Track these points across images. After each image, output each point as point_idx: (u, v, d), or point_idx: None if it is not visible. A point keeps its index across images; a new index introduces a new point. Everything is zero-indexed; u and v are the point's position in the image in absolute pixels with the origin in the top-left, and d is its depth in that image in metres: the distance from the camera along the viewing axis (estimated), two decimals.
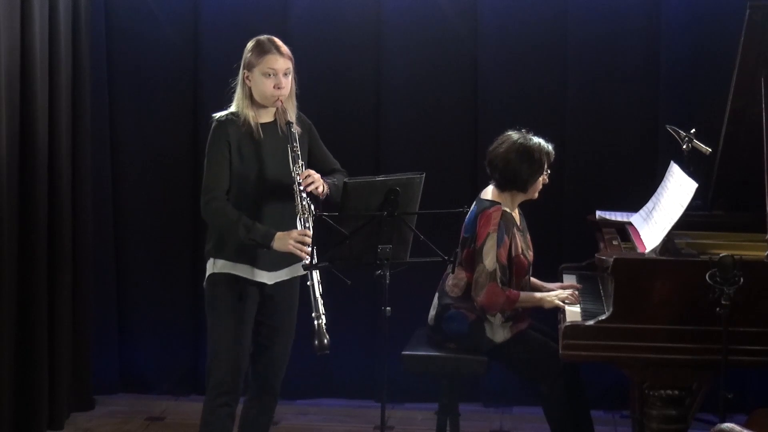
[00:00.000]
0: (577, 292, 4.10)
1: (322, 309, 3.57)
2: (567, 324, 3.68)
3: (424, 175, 3.74)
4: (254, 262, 3.75)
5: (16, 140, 4.53)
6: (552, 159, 4.12)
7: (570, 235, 5.01)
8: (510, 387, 4.96)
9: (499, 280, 4.00)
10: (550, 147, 4.11)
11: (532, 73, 5.06)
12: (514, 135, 4.12)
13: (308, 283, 3.59)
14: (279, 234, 3.64)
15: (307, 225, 3.63)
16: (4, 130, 4.40)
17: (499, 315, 4.05)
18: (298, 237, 3.62)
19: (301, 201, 3.63)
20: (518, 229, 4.14)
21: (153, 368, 5.37)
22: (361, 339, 5.19)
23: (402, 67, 5.10)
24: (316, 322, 3.54)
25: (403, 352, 4.14)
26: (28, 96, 4.57)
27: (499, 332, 4.07)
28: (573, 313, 3.90)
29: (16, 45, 4.49)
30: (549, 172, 4.13)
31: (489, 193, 4.16)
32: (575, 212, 4.90)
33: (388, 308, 3.66)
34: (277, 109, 3.74)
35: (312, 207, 3.65)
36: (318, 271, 3.60)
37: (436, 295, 4.22)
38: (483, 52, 5.06)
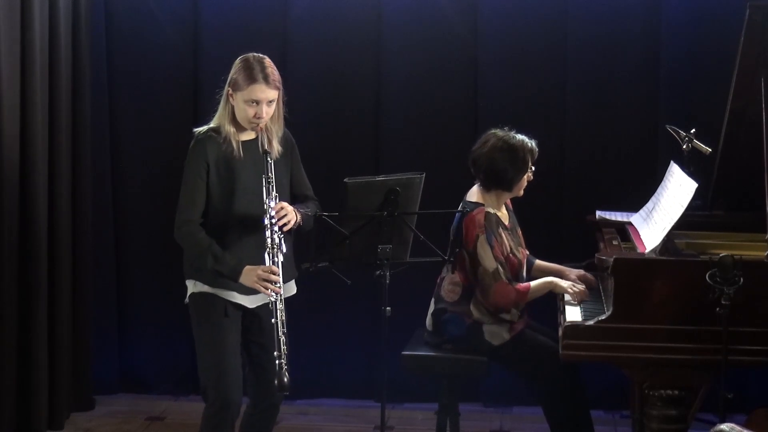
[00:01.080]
0: (584, 289, 4.08)
1: (284, 348, 3.47)
2: (567, 324, 3.68)
3: (424, 175, 3.74)
4: (232, 286, 3.66)
5: (16, 140, 4.53)
6: (536, 156, 4.12)
7: (570, 235, 5.01)
8: (510, 387, 4.95)
9: (504, 277, 4.00)
10: (533, 144, 4.10)
11: (532, 73, 5.06)
12: (496, 134, 4.11)
13: (272, 320, 3.50)
14: (246, 268, 3.56)
15: (275, 260, 3.54)
16: (4, 130, 4.41)
17: (513, 315, 4.03)
18: (262, 274, 3.54)
19: (271, 235, 3.54)
20: (504, 227, 4.14)
21: (153, 368, 5.38)
22: (361, 339, 5.19)
23: (402, 67, 5.10)
24: (277, 362, 3.45)
25: (403, 352, 4.14)
26: (28, 96, 4.57)
27: (497, 335, 4.07)
28: (573, 313, 3.90)
29: (16, 45, 4.49)
30: (533, 169, 4.12)
31: (474, 194, 4.16)
32: (575, 212, 4.90)
33: (388, 308, 3.66)
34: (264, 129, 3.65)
35: (282, 242, 3.56)
36: (283, 309, 3.53)
37: (432, 300, 4.22)
38: (483, 52, 5.06)
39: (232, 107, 3.67)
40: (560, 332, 3.70)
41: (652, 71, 4.96)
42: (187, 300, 3.78)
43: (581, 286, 4.07)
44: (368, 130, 5.18)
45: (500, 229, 4.09)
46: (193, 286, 3.74)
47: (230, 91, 3.66)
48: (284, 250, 3.57)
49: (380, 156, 5.15)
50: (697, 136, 4.36)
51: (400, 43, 5.09)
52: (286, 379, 3.43)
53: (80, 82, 5.00)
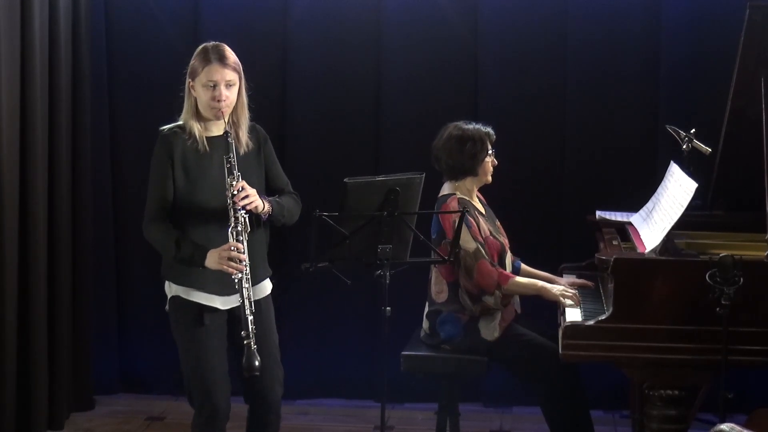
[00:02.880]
0: (577, 293, 4.09)
1: (252, 328, 3.43)
2: (567, 324, 3.68)
3: (424, 175, 3.74)
4: (203, 287, 3.60)
5: (16, 140, 4.53)
6: (493, 140, 4.17)
7: (570, 235, 5.01)
8: (510, 387, 4.95)
9: (486, 256, 4.02)
10: (488, 129, 4.17)
11: (532, 73, 5.06)
12: (450, 125, 4.19)
13: (239, 300, 3.46)
14: (210, 251, 3.48)
15: (240, 239, 3.46)
16: (4, 131, 4.41)
17: (496, 298, 4.04)
18: (224, 253, 3.45)
19: (234, 213, 3.46)
20: (480, 214, 4.17)
21: (153, 368, 5.37)
22: (361, 339, 5.19)
23: (402, 67, 5.10)
24: (245, 342, 3.42)
25: (403, 352, 4.14)
26: (28, 96, 4.57)
27: (490, 331, 4.07)
28: (573, 313, 3.90)
29: (16, 45, 4.49)
30: (494, 151, 4.16)
31: (445, 189, 4.20)
32: (575, 212, 4.90)
33: (388, 308, 3.66)
34: (229, 121, 3.56)
35: (247, 221, 3.49)
36: (250, 288, 3.46)
37: (426, 303, 4.23)
38: (483, 52, 5.06)
39: (195, 100, 3.60)
40: (560, 332, 3.69)
41: (652, 71, 4.96)
42: (167, 307, 3.71)
43: (572, 291, 4.07)
44: (368, 130, 5.18)
45: (476, 213, 4.13)
46: (168, 288, 3.68)
47: (190, 83, 3.60)
48: (248, 229, 3.50)
49: (380, 156, 5.15)
50: (697, 136, 4.36)
51: (400, 43, 5.09)
52: (256, 362, 3.42)
53: (80, 82, 5.00)
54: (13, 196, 4.53)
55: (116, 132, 5.27)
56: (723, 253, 3.41)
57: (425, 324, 4.21)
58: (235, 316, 3.65)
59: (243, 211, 3.49)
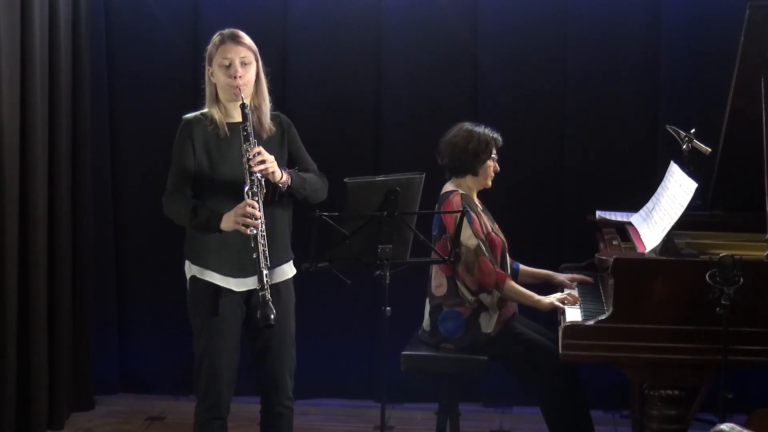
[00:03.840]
0: (576, 293, 4.10)
1: (266, 280, 3.45)
2: (567, 324, 3.68)
3: (424, 175, 3.74)
4: (219, 269, 3.63)
5: (16, 140, 4.53)
6: (499, 145, 4.20)
7: (570, 235, 5.01)
8: (510, 387, 4.95)
9: (487, 253, 4.03)
10: (497, 135, 4.20)
11: (532, 73, 5.06)
12: (461, 124, 4.23)
13: (254, 255, 3.47)
14: (226, 214, 3.51)
15: (255, 199, 3.49)
16: (4, 131, 4.41)
17: (495, 299, 4.05)
18: (239, 210, 3.47)
19: (250, 176, 3.49)
20: (482, 211, 4.19)
21: (153, 368, 5.38)
22: (361, 339, 5.19)
23: (402, 67, 5.11)
24: (260, 294, 3.44)
25: (403, 352, 4.15)
26: (28, 96, 4.57)
27: (492, 324, 4.08)
28: (573, 313, 3.90)
29: (16, 45, 4.49)
30: (496, 157, 4.18)
31: (448, 186, 4.23)
32: (575, 212, 4.90)
33: (388, 308, 3.66)
34: (250, 105, 3.60)
35: (262, 182, 3.52)
36: (265, 245, 3.48)
37: (427, 300, 4.23)
38: (483, 52, 5.07)
39: (215, 88, 3.65)
40: (560, 332, 3.69)
41: (652, 71, 4.96)
42: (187, 286, 3.74)
43: (566, 293, 4.08)
44: (368, 130, 5.18)
45: (478, 209, 4.15)
46: (188, 269, 3.72)
47: (209, 69, 3.65)
48: (264, 190, 3.53)
49: (380, 156, 5.16)
50: (697, 136, 4.36)
51: (400, 43, 5.09)
52: (272, 315, 3.43)
53: (80, 82, 5.00)
54: (13, 195, 4.53)
55: (116, 132, 5.27)
56: (723, 253, 3.41)
57: (426, 321, 4.21)
58: (251, 299, 3.68)
59: (259, 175, 3.51)
